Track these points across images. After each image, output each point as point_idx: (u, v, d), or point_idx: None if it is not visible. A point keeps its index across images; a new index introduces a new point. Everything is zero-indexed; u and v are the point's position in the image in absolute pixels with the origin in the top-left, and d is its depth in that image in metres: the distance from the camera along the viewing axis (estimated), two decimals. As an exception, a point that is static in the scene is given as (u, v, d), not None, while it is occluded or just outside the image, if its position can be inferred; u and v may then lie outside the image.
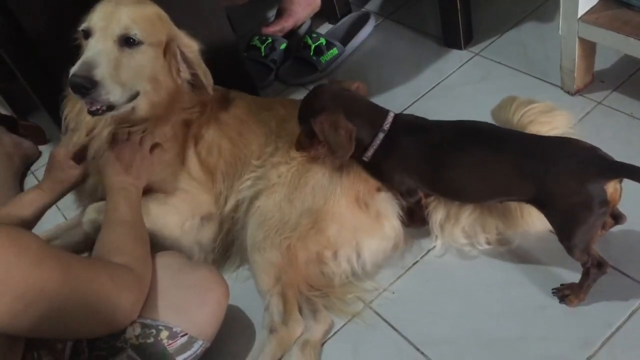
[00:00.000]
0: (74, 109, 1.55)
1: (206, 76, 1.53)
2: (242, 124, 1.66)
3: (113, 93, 1.36)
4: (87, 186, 1.59)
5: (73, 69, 1.33)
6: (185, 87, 1.55)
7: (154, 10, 1.48)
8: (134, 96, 1.43)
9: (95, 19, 1.40)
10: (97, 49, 1.36)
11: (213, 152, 1.62)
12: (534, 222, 1.47)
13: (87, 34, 1.41)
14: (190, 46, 1.51)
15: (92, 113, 1.38)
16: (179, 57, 1.50)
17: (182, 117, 1.57)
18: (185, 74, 1.53)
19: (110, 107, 1.39)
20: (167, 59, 1.48)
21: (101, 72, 1.33)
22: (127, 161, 1.47)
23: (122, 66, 1.38)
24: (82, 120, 1.52)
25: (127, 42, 1.39)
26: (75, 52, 1.45)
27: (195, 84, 1.56)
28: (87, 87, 1.31)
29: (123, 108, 1.43)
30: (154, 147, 1.54)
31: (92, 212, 1.53)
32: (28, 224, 1.48)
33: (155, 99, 1.49)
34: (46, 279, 1.04)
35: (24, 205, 1.49)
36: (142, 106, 1.48)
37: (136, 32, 1.39)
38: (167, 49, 1.48)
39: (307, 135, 1.49)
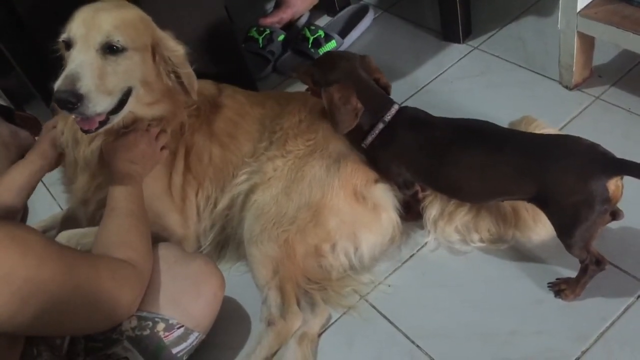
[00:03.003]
0: (68, 122, 1.50)
1: (190, 81, 1.48)
2: (235, 126, 1.64)
3: (100, 104, 1.31)
4: (76, 186, 1.57)
5: (57, 84, 1.28)
6: (178, 88, 1.50)
7: (136, 13, 1.43)
8: (123, 102, 1.39)
9: (75, 28, 1.34)
10: (79, 61, 1.31)
11: (203, 158, 1.61)
12: (528, 229, 1.48)
13: (68, 44, 1.36)
14: (176, 50, 1.46)
15: (86, 132, 1.36)
16: (167, 59, 1.45)
17: (180, 120, 1.55)
18: (173, 76, 1.47)
19: (103, 123, 1.36)
20: (156, 62, 1.44)
21: (86, 85, 1.28)
22: (141, 150, 1.46)
23: (107, 75, 1.33)
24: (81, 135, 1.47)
25: (110, 49, 1.34)
26: (59, 63, 1.42)
27: (182, 86, 1.50)
28: (73, 101, 1.26)
29: (116, 119, 1.40)
30: (163, 147, 1.53)
31: (63, 240, 1.49)
32: (24, 192, 1.48)
33: (149, 101, 1.46)
34: (49, 278, 1.04)
35: (14, 176, 1.49)
36: (138, 111, 1.45)
37: (119, 39, 1.34)
38: (155, 52, 1.44)
39: (310, 77, 1.54)
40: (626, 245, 1.43)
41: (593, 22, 1.64)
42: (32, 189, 1.53)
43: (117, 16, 1.37)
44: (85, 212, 1.59)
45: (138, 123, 1.47)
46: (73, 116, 1.36)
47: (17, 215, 1.52)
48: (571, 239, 1.26)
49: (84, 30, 1.34)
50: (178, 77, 1.47)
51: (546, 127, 1.54)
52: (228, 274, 1.58)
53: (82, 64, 1.31)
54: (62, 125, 1.53)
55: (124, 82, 1.37)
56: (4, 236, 1.01)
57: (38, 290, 1.02)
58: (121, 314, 1.22)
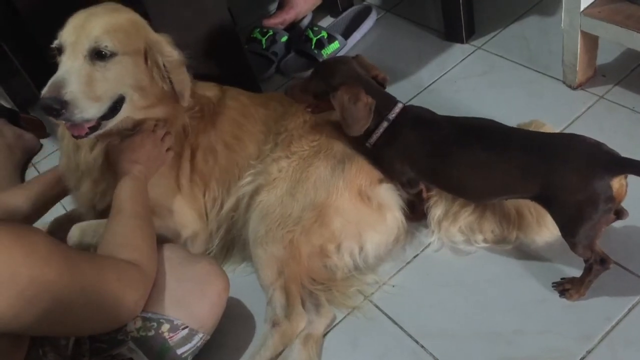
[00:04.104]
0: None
1: (181, 87, 1.46)
2: (240, 128, 1.64)
3: (87, 110, 1.31)
4: (81, 192, 1.56)
5: (43, 91, 1.29)
6: (173, 93, 1.48)
7: (128, 17, 1.42)
8: (116, 108, 1.38)
9: (66, 35, 1.35)
10: (67, 67, 1.31)
11: (208, 159, 1.60)
12: (532, 231, 1.48)
13: (60, 50, 1.36)
14: (170, 55, 1.44)
15: (76, 137, 1.36)
16: (160, 63, 1.43)
17: (182, 122, 1.54)
18: (168, 80, 1.45)
19: (94, 128, 1.35)
20: (149, 66, 1.43)
21: (71, 91, 1.28)
22: (147, 152, 1.46)
23: (95, 81, 1.32)
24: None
25: (98, 55, 1.33)
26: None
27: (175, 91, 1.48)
28: (57, 108, 1.27)
29: (109, 125, 1.39)
30: (168, 149, 1.53)
31: (76, 234, 1.48)
32: (37, 199, 1.55)
33: (145, 105, 1.45)
34: (53, 279, 1.04)
35: (32, 183, 1.58)
36: (135, 115, 1.45)
37: (107, 44, 1.33)
38: (147, 55, 1.42)
39: (310, 91, 1.53)
40: (631, 244, 1.43)
41: (596, 21, 1.64)
42: (47, 197, 1.58)
43: (107, 21, 1.37)
44: (95, 217, 1.59)
45: (143, 124, 1.47)
46: (63, 122, 1.36)
47: (27, 221, 1.53)
48: (575, 237, 1.26)
49: (73, 37, 1.34)
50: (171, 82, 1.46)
51: (555, 131, 1.54)
52: (233, 275, 1.59)
53: (68, 70, 1.31)
54: (63, 130, 1.53)
55: (114, 87, 1.37)
56: (10, 237, 1.01)
57: (43, 290, 1.03)
58: (126, 315, 1.22)
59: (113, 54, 1.35)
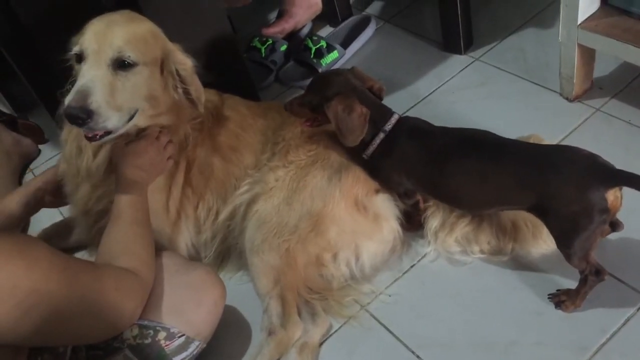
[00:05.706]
0: (72, 131, 1.51)
1: (198, 94, 1.48)
2: (237, 139, 1.64)
3: (110, 119, 1.32)
4: (78, 196, 1.56)
5: (67, 99, 1.29)
6: (184, 101, 1.49)
7: (147, 27, 1.43)
8: (132, 117, 1.39)
9: (87, 42, 1.34)
10: (91, 76, 1.31)
11: (204, 173, 1.60)
12: (527, 243, 1.49)
13: (80, 57, 1.36)
14: (184, 63, 1.45)
15: (90, 139, 1.36)
16: (174, 73, 1.44)
17: (184, 132, 1.55)
18: (179, 89, 1.47)
19: (108, 132, 1.35)
20: (164, 76, 1.44)
21: (96, 101, 1.29)
22: (150, 158, 1.46)
23: (117, 90, 1.33)
24: (86, 144, 1.46)
25: (121, 65, 1.34)
26: (63, 72, 1.42)
27: (189, 99, 1.50)
28: (83, 117, 1.27)
29: (120, 131, 1.39)
30: (169, 157, 1.53)
31: None
32: (29, 202, 1.56)
33: (153, 114, 1.45)
34: (54, 290, 1.05)
35: (22, 188, 1.57)
36: (141, 123, 1.44)
37: (130, 54, 1.34)
38: (164, 65, 1.43)
39: (306, 105, 1.53)
40: (626, 256, 1.43)
41: (593, 34, 1.65)
42: (39, 199, 1.58)
43: (128, 31, 1.37)
44: (86, 223, 1.59)
45: (148, 129, 1.47)
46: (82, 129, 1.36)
47: (19, 223, 1.54)
48: (570, 249, 1.27)
49: (95, 45, 1.34)
50: (185, 90, 1.47)
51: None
52: (229, 283, 1.58)
53: (93, 79, 1.31)
54: (66, 135, 1.54)
55: (132, 97, 1.37)
56: (11, 249, 1.02)
57: (42, 301, 1.03)
58: (124, 323, 1.22)
59: (135, 64, 1.36)
